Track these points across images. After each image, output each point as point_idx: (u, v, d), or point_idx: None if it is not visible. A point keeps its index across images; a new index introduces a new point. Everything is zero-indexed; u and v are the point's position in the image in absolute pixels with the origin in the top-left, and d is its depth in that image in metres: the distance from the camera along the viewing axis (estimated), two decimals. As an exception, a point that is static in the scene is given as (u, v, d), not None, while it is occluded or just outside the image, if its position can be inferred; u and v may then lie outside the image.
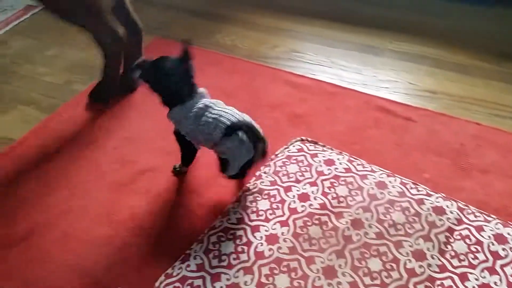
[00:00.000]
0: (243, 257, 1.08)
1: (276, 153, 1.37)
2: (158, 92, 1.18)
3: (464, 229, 1.11)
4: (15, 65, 1.90)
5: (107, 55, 1.60)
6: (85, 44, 1.97)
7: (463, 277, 1.02)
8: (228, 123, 1.09)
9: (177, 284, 1.03)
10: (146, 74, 1.17)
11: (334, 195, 1.21)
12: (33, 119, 1.61)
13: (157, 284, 1.05)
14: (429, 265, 1.04)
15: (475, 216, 1.15)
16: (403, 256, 1.06)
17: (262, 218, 1.17)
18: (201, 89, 1.20)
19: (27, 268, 1.13)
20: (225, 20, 2.15)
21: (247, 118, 1.14)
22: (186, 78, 1.17)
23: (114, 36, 1.52)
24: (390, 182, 1.23)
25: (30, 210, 1.27)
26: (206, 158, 1.27)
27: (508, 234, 1.10)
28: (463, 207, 1.17)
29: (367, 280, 1.01)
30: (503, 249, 1.06)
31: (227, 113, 1.12)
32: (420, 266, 1.04)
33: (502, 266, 1.03)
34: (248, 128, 1.09)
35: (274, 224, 1.15)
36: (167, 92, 1.17)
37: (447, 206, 1.16)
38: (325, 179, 1.26)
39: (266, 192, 1.23)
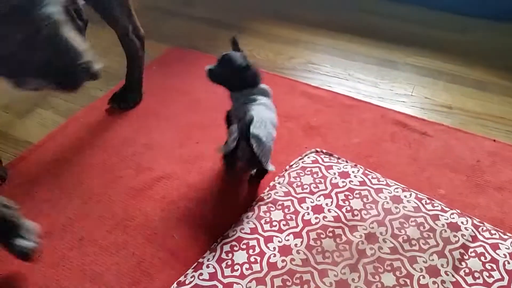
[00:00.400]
0: (256, 267, 1.08)
1: (291, 164, 1.37)
2: (226, 83, 1.28)
3: (479, 246, 1.10)
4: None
5: (133, 56, 1.62)
6: (103, 50, 2.01)
7: (478, 296, 1.01)
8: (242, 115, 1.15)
9: (186, 297, 1.04)
10: (216, 71, 1.27)
11: (349, 208, 1.21)
12: (51, 123, 1.64)
13: (170, 291, 1.06)
14: (443, 282, 1.03)
15: (491, 234, 1.13)
16: (417, 271, 1.05)
17: (276, 228, 1.17)
18: (263, 86, 1.28)
19: (40, 271, 1.14)
20: (244, 31, 2.17)
21: (267, 120, 1.19)
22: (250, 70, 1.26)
23: (138, 35, 1.56)
24: (405, 196, 1.23)
25: (47, 213, 1.29)
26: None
27: (524, 253, 1.08)
28: (478, 224, 1.16)
29: (381, 295, 1.01)
30: (519, 268, 1.05)
31: (255, 109, 1.19)
32: (434, 283, 1.03)
33: (518, 286, 1.02)
34: (241, 123, 1.12)
35: (288, 235, 1.15)
36: (234, 82, 1.27)
37: (462, 223, 1.15)
38: (340, 192, 1.26)
39: (280, 202, 1.23)
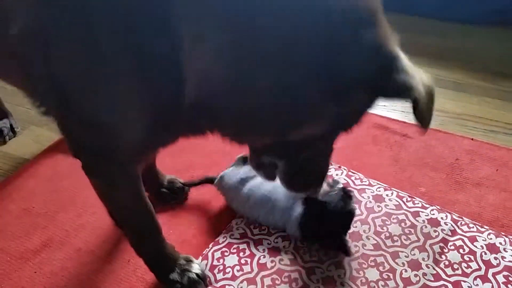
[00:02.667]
0: (246, 268, 1.13)
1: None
2: None
3: (458, 239, 1.16)
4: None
5: None
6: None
7: (457, 285, 1.06)
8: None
9: (184, 296, 1.09)
10: None
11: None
12: (46, 140, 1.68)
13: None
14: (424, 274, 1.09)
15: (469, 227, 1.19)
16: (400, 266, 1.11)
17: (265, 232, 1.22)
18: None
19: (40, 281, 1.18)
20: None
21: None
22: None
23: None
24: (387, 195, 1.29)
25: (44, 226, 1.33)
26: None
27: (500, 244, 1.14)
28: (457, 218, 1.22)
29: (365, 289, 1.06)
30: (495, 258, 1.11)
31: None
32: (416, 275, 1.08)
33: (494, 274, 1.08)
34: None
35: (276, 238, 1.20)
36: None
37: (442, 218, 1.21)
38: (325, 194, 1.31)
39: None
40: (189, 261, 1.12)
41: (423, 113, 0.61)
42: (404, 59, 0.60)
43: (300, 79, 0.58)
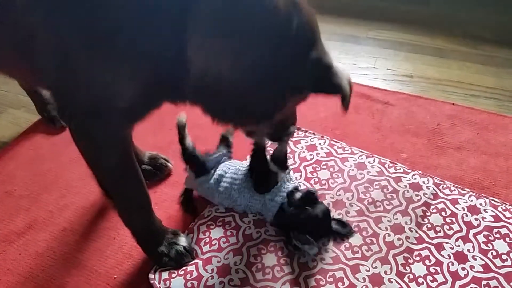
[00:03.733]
0: (232, 240, 1.14)
1: (261, 142, 1.42)
2: None
3: (440, 202, 1.18)
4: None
5: None
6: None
7: (439, 247, 1.08)
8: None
9: (171, 270, 1.09)
10: None
11: (316, 180, 1.27)
12: (24, 122, 1.66)
13: (152, 270, 1.10)
14: (407, 238, 1.10)
15: (450, 191, 1.21)
16: (382, 230, 1.12)
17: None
18: None
19: (25, 263, 1.18)
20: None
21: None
22: None
23: None
24: (369, 162, 1.29)
25: (28, 208, 1.32)
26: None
27: (481, 205, 1.16)
28: (439, 182, 1.23)
29: (349, 254, 1.07)
30: (476, 219, 1.13)
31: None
32: (399, 239, 1.10)
33: (474, 235, 1.10)
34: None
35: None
36: None
37: (424, 182, 1.23)
38: (308, 165, 1.32)
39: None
40: (176, 234, 1.13)
41: (347, 102, 0.88)
42: (335, 66, 0.84)
43: (265, 82, 0.80)
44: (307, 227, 1.07)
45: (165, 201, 1.30)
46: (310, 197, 1.11)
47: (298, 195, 1.13)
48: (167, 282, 1.06)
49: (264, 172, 1.17)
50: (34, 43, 0.81)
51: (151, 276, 1.09)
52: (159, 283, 1.06)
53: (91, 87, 0.81)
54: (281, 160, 1.19)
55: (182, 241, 1.11)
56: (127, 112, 0.87)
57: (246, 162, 1.23)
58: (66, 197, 1.35)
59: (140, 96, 0.84)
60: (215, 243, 1.13)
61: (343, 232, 1.10)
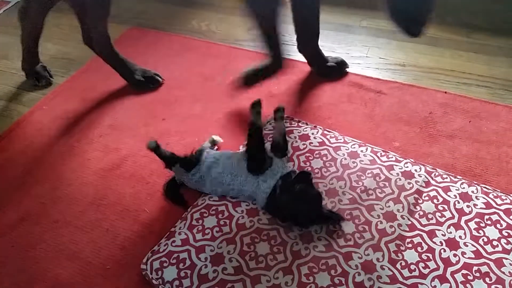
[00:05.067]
0: (226, 229, 1.14)
1: (254, 131, 1.42)
2: None
3: (432, 190, 1.18)
4: (-8, 62, 1.93)
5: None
6: (61, 37, 2.00)
7: (431, 234, 1.09)
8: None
9: (163, 259, 1.09)
10: None
11: (309, 169, 1.27)
12: (15, 114, 1.65)
13: (144, 260, 1.11)
14: (400, 225, 1.11)
15: (442, 178, 1.21)
16: (375, 218, 1.13)
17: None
18: None
19: (18, 255, 1.18)
20: (199, 6, 2.18)
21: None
22: None
23: None
24: (361, 151, 1.29)
25: (20, 201, 1.31)
26: (189, 141, 1.32)
27: (472, 192, 1.17)
28: (431, 170, 1.24)
29: (341, 242, 1.08)
30: (468, 206, 1.14)
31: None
32: (391, 226, 1.11)
33: (466, 222, 1.10)
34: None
35: (254, 200, 1.20)
36: None
37: (416, 170, 1.23)
38: (301, 154, 1.32)
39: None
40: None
41: None
42: None
43: None
44: (297, 210, 1.08)
45: (158, 192, 1.30)
46: (305, 177, 1.11)
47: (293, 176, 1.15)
48: (159, 272, 1.06)
49: (259, 154, 1.18)
50: None
51: (143, 266, 1.09)
52: (151, 273, 1.07)
53: None
54: (281, 146, 1.22)
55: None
56: None
57: (237, 151, 1.23)
58: (59, 189, 1.34)
59: None
60: (208, 232, 1.13)
61: (334, 218, 1.11)
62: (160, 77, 1.69)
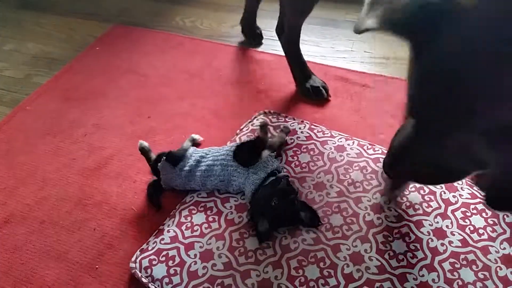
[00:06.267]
0: (214, 225, 1.13)
1: (241, 127, 1.42)
2: None
3: (418, 181, 1.19)
4: (-26, 63, 1.89)
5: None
6: (43, 37, 1.97)
7: (418, 224, 1.10)
8: None
9: (152, 257, 1.08)
10: None
11: (297, 163, 1.27)
12: (-3, 115, 1.62)
13: (133, 259, 1.10)
14: (387, 216, 1.12)
15: (428, 169, 1.22)
16: (362, 210, 1.13)
17: (231, 189, 1.22)
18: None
19: (4, 257, 1.16)
20: (183, 2, 2.17)
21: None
22: None
23: None
24: (348, 145, 1.30)
25: (4, 202, 1.29)
26: (175, 139, 1.31)
27: (458, 183, 1.18)
28: (417, 162, 1.25)
29: (329, 235, 1.08)
30: (454, 196, 1.15)
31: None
32: (378, 218, 1.11)
33: (452, 211, 1.12)
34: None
35: (243, 195, 1.20)
36: None
37: (402, 162, 1.24)
38: (288, 149, 1.32)
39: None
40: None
41: None
42: None
43: None
44: (271, 212, 1.08)
45: (145, 190, 1.28)
46: (282, 186, 1.12)
47: (282, 176, 1.15)
48: (149, 270, 1.05)
49: (250, 147, 1.20)
50: None
51: (132, 265, 1.08)
52: (140, 272, 1.06)
53: None
54: (275, 148, 1.25)
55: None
56: None
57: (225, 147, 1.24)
58: (44, 190, 1.32)
59: None
60: (197, 229, 1.13)
61: (310, 224, 1.10)
62: (326, 91, 1.56)
